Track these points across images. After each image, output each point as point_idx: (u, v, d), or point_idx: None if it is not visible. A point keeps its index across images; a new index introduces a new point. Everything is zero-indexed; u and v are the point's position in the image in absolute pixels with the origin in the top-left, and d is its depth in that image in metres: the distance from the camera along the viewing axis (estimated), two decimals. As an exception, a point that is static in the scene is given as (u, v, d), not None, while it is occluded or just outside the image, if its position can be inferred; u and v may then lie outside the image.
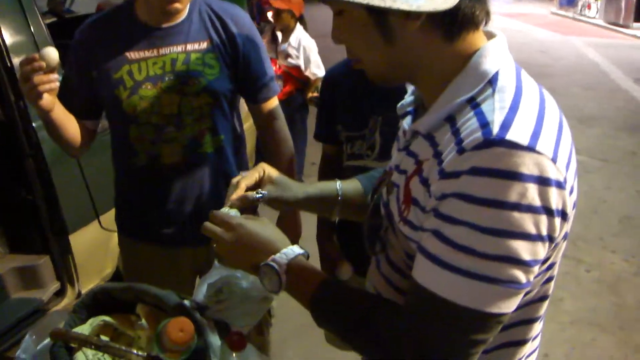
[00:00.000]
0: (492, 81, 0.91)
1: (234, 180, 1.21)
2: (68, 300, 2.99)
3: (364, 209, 1.30)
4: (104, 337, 1.24)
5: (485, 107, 0.88)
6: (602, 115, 7.92)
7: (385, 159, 1.54)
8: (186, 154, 1.85)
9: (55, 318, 1.38)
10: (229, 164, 1.95)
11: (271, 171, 1.24)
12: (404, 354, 0.89)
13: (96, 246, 3.05)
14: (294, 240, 2.10)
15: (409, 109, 1.10)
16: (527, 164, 0.81)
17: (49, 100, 1.63)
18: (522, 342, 1.05)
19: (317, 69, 4.76)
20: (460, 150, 0.84)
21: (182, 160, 1.86)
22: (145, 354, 1.13)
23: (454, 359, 0.88)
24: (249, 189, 1.21)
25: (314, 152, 5.13)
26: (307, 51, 4.71)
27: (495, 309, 0.85)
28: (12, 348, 2.61)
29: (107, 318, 1.25)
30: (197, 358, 1.15)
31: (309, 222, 2.12)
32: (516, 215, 0.81)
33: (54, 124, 1.76)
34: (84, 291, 3.04)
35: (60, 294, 2.98)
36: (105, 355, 1.18)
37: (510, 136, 0.82)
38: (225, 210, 1.14)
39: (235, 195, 1.18)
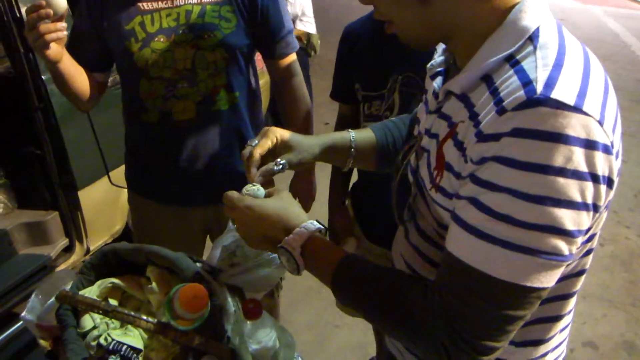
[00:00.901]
0: (532, 38, 0.84)
1: (246, 151, 1.14)
2: (76, 257, 2.97)
3: (376, 159, 1.27)
4: (112, 300, 1.19)
5: (526, 64, 0.81)
6: (619, 86, 7.73)
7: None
8: (199, 111, 1.79)
9: (62, 277, 1.34)
10: (243, 122, 1.89)
11: (283, 134, 1.16)
12: (436, 331, 0.83)
13: (106, 202, 3.01)
14: (308, 204, 2.06)
15: (440, 69, 1.03)
16: (574, 126, 0.74)
17: (57, 50, 1.57)
18: (558, 318, 1.00)
19: (308, 25, 4.54)
20: (500, 111, 0.77)
21: (194, 118, 1.79)
22: (155, 320, 1.08)
23: (491, 335, 0.82)
24: (263, 156, 1.13)
25: (327, 111, 5.05)
26: (302, 2, 4.49)
27: (535, 283, 0.79)
28: (19, 305, 2.59)
29: (115, 280, 1.20)
30: (211, 324, 1.10)
31: (321, 184, 2.07)
32: (561, 181, 0.74)
33: (62, 75, 1.70)
34: (92, 248, 3.03)
35: (68, 250, 2.97)
36: (114, 319, 1.14)
37: (555, 95, 0.75)
38: (249, 188, 1.06)
39: (253, 167, 1.11)
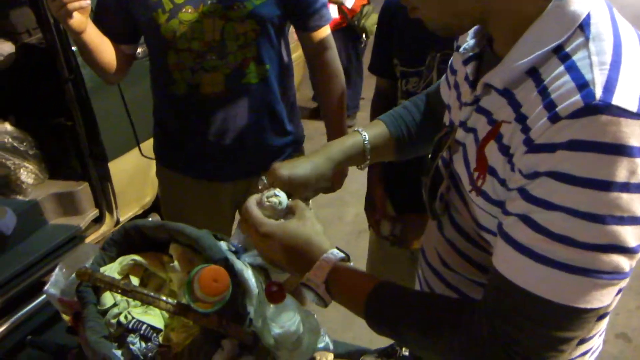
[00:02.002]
0: (583, 26, 0.74)
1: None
2: (106, 227, 2.99)
3: (394, 152, 1.21)
4: (133, 278, 1.18)
5: (578, 60, 0.72)
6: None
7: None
8: (228, 84, 1.74)
9: (87, 251, 1.33)
10: (273, 96, 1.83)
11: (282, 180, 1.04)
12: (486, 357, 0.78)
13: (136, 174, 3.01)
14: (340, 182, 1.99)
15: (472, 53, 0.94)
16: (638, 135, 0.67)
17: (80, 20, 1.54)
18: (603, 316, 0.94)
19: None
20: (554, 117, 0.69)
21: (223, 91, 1.75)
22: (175, 301, 1.05)
23: (547, 358, 0.76)
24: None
25: (364, 86, 4.95)
26: None
27: (595, 304, 0.72)
28: (48, 274, 2.61)
29: (137, 257, 1.18)
30: (232, 306, 1.07)
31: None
32: (624, 197, 0.67)
33: (87, 46, 1.67)
34: (122, 219, 3.04)
35: (98, 221, 2.99)
36: (134, 297, 1.12)
37: (616, 101, 0.67)
38: (271, 197, 0.99)
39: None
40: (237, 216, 2.05)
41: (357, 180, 1.95)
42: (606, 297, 0.73)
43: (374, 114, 1.93)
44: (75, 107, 2.65)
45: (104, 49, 1.73)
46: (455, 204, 0.96)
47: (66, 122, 2.79)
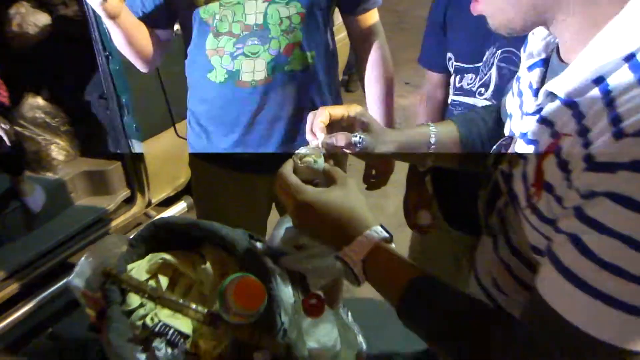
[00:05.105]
0: None
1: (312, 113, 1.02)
2: (137, 208, 3.00)
3: (459, 158, 1.14)
4: (162, 278, 1.14)
5: None
6: None
7: (499, 100, 1.34)
8: (270, 72, 1.69)
9: (115, 241, 1.29)
10: (318, 85, 1.78)
11: (365, 114, 1.03)
12: None
13: (171, 154, 2.99)
14: (386, 176, 1.93)
15: (537, 59, 0.89)
16: None
17: (115, 4, 1.51)
18: None
19: None
20: (618, 133, 0.64)
21: (265, 79, 1.69)
22: (205, 310, 1.01)
23: None
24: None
25: (409, 70, 4.85)
26: None
27: None
28: (76, 254, 2.62)
29: (167, 256, 1.14)
30: (266, 316, 1.01)
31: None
32: None
33: (121, 32, 1.64)
34: (154, 200, 3.04)
35: (129, 201, 2.99)
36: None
37: None
38: (305, 158, 0.94)
39: (319, 126, 0.98)
40: (273, 212, 2.02)
41: (400, 169, 1.90)
42: None
43: (423, 110, 1.88)
44: (109, 83, 2.64)
45: (139, 34, 1.70)
46: (512, 223, 0.90)
47: (99, 97, 2.78)
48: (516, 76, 1.01)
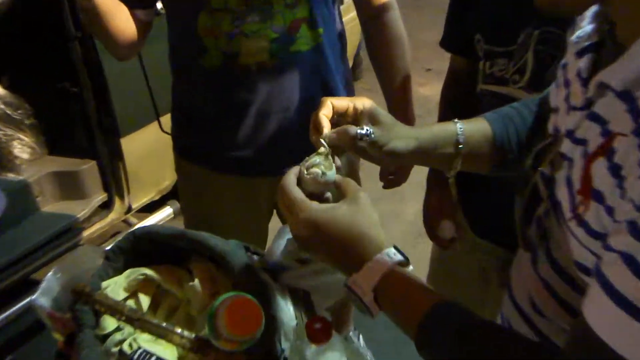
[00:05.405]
0: None
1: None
2: (115, 215, 3.04)
3: (492, 160, 1.14)
4: (142, 296, 1.15)
5: None
6: None
7: (537, 89, 1.35)
8: (274, 52, 1.71)
9: (88, 252, 1.33)
10: (328, 68, 1.81)
11: (374, 107, 1.04)
12: None
13: (154, 153, 3.04)
14: (404, 177, 1.94)
15: (588, 43, 0.89)
16: None
17: None
18: None
19: None
20: None
21: (268, 61, 1.71)
22: (193, 335, 1.02)
23: None
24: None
25: (430, 54, 4.88)
26: None
27: None
28: (42, 269, 2.63)
29: (148, 272, 1.15)
30: (263, 342, 1.03)
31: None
32: None
33: (97, 13, 1.66)
34: (135, 205, 3.08)
35: (106, 207, 3.03)
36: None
37: None
38: (313, 169, 0.95)
39: (326, 118, 0.99)
40: (274, 220, 2.04)
41: (420, 171, 1.92)
42: None
43: (445, 101, 1.89)
44: (83, 70, 2.67)
45: (117, 15, 1.71)
46: (554, 235, 0.91)
47: (71, 87, 2.80)
48: (562, 62, 1.01)
